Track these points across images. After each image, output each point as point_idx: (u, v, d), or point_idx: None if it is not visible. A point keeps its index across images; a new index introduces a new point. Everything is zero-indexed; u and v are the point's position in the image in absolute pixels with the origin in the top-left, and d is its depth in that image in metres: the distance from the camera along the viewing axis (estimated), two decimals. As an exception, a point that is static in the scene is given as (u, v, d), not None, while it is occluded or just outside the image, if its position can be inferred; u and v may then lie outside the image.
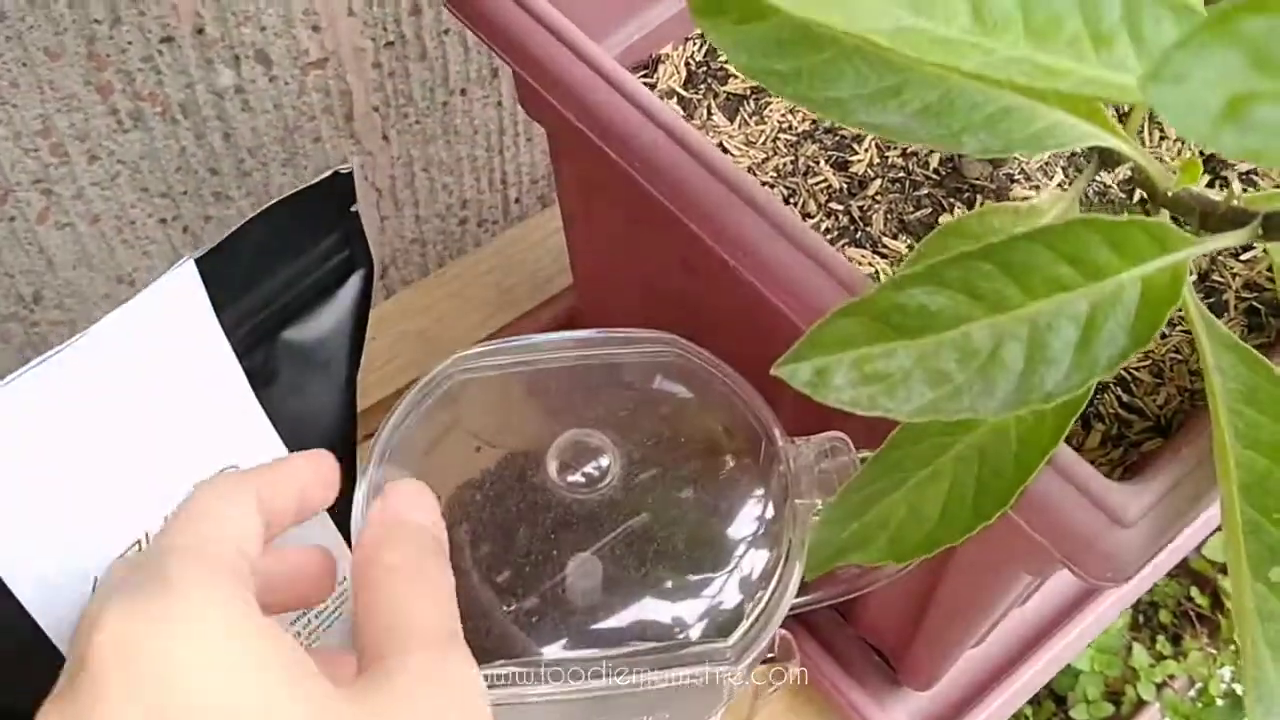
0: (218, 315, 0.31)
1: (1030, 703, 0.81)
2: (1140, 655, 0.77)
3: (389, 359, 0.60)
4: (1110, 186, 0.42)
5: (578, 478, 0.33)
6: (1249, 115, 0.15)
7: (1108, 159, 0.33)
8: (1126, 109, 0.40)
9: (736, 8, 0.28)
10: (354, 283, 0.36)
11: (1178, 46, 0.14)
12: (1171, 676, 0.78)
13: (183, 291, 0.31)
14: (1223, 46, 0.14)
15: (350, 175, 0.34)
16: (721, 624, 0.32)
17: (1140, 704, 0.77)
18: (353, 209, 0.35)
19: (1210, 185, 0.43)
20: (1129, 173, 0.35)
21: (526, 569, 0.33)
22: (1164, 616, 0.82)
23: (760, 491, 0.34)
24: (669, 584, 0.33)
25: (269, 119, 0.60)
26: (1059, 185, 0.41)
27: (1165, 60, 0.14)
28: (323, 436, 0.35)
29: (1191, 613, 0.82)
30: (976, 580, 0.38)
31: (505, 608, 0.32)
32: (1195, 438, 0.32)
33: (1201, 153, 0.44)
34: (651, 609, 0.32)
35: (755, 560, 0.33)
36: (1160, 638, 0.80)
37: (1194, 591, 0.82)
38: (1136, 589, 0.52)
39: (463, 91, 0.66)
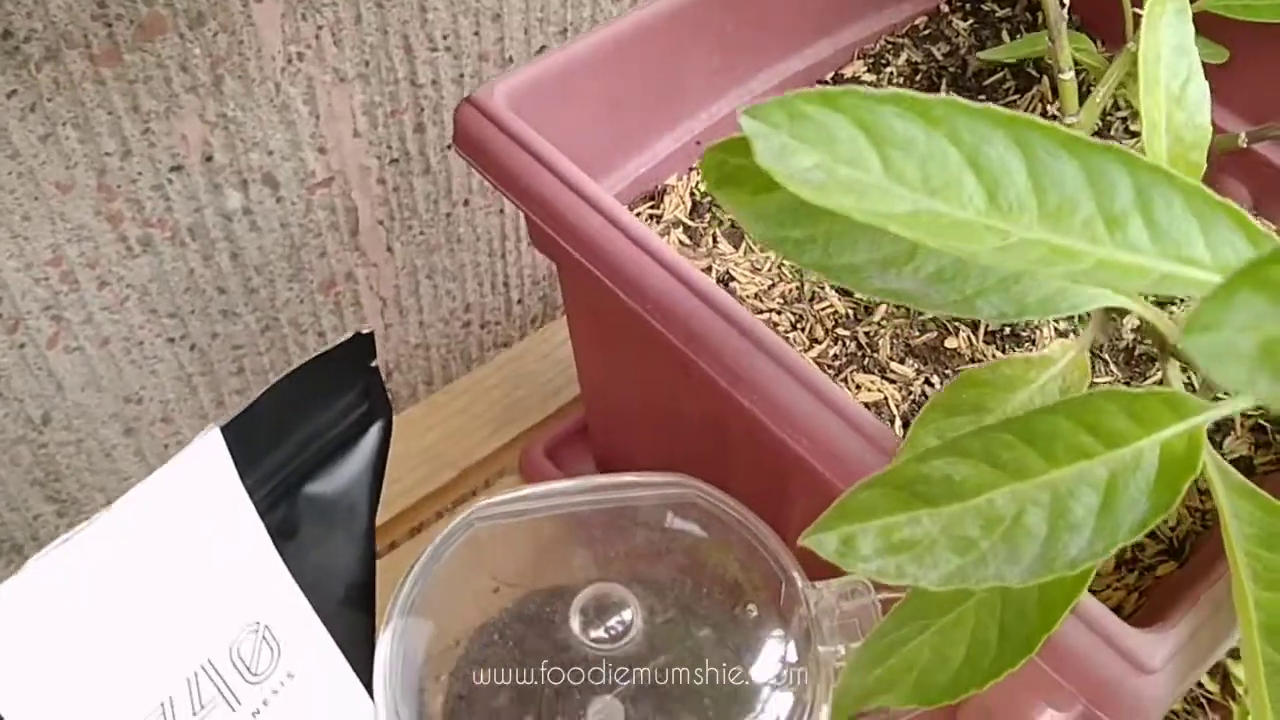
0: (241, 477, 0.32)
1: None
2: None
3: (395, 478, 0.60)
4: (1119, 332, 0.43)
5: (601, 633, 0.34)
6: None
7: (1114, 314, 0.34)
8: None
9: (751, 180, 0.28)
10: (374, 434, 0.36)
11: (1209, 299, 0.15)
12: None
13: (208, 459, 0.31)
14: (1252, 293, 0.15)
15: (371, 335, 0.34)
16: (747, 773, 0.32)
17: (1154, 794, 0.76)
18: (373, 364, 0.35)
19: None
20: (1136, 322, 0.36)
21: (548, 713, 0.33)
22: (1175, 704, 0.82)
23: (781, 634, 0.34)
24: (694, 732, 0.33)
25: (275, 238, 0.60)
26: (1067, 328, 0.42)
27: (1199, 312, 0.15)
28: (344, 585, 0.35)
29: (1202, 699, 0.82)
30: (999, 713, 0.38)
31: None
32: (1212, 576, 0.32)
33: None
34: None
35: (780, 707, 0.33)
36: (1171, 725, 0.80)
37: (1204, 678, 0.81)
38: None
39: (465, 202, 0.67)
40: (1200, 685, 0.83)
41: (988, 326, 0.43)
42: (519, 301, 0.77)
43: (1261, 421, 0.41)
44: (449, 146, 0.63)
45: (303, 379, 0.32)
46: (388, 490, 0.39)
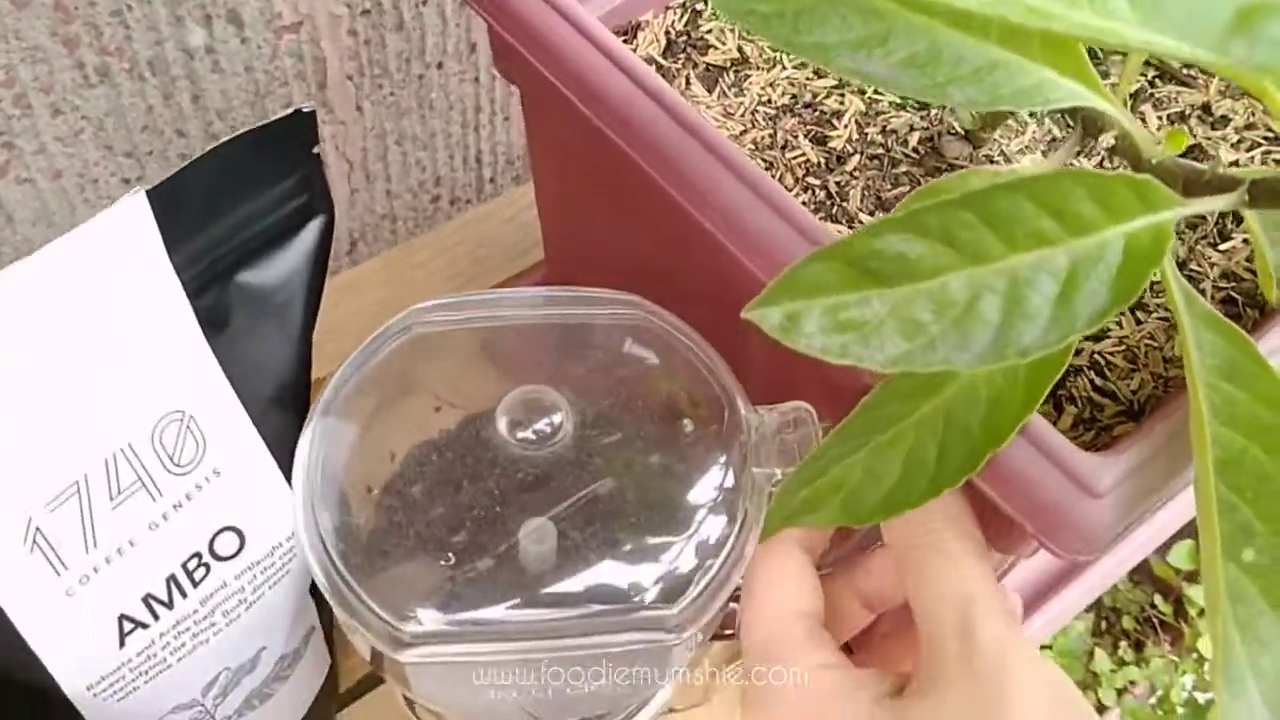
0: (169, 253, 0.30)
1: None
2: (1102, 661, 0.77)
3: (346, 328, 0.59)
4: (1093, 158, 0.41)
5: (528, 434, 0.33)
6: (1259, 28, 0.14)
7: (1090, 128, 0.33)
8: (1114, 83, 0.39)
9: (720, -53, 0.27)
10: (313, 229, 0.35)
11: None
12: (1133, 683, 0.78)
13: (133, 223, 0.29)
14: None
15: (313, 114, 0.33)
16: (672, 591, 0.31)
17: (1101, 709, 0.76)
18: (314, 151, 0.34)
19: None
20: (1112, 142, 0.35)
21: (480, 530, 0.32)
22: (1127, 623, 0.81)
23: (721, 459, 0.33)
24: (623, 548, 0.32)
25: (239, 82, 0.58)
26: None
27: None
28: (275, 384, 0.34)
29: (1155, 620, 0.82)
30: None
31: (457, 567, 0.31)
32: (1169, 415, 0.31)
33: (1203, 120, 0.44)
34: (604, 572, 0.32)
35: (711, 528, 0.32)
36: (1122, 644, 0.80)
37: (1157, 599, 0.81)
38: (1086, 595, 0.51)
39: (439, 65, 0.65)
40: (1154, 607, 0.83)
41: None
42: (491, 180, 0.76)
43: (1232, 294, 0.40)
44: (424, 1, 0.61)
45: (235, 155, 0.31)
46: (336, 341, 0.38)
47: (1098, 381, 0.38)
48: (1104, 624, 0.82)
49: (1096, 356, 0.39)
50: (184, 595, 0.32)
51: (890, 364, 0.24)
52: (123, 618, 0.32)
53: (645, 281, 0.43)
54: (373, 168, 0.68)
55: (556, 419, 0.33)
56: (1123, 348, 0.39)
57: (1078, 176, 0.25)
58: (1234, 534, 0.29)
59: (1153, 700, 0.78)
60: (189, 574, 0.32)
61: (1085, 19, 0.22)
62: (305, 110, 0.33)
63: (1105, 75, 0.44)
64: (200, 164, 0.30)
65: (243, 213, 0.32)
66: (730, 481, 0.33)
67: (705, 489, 0.33)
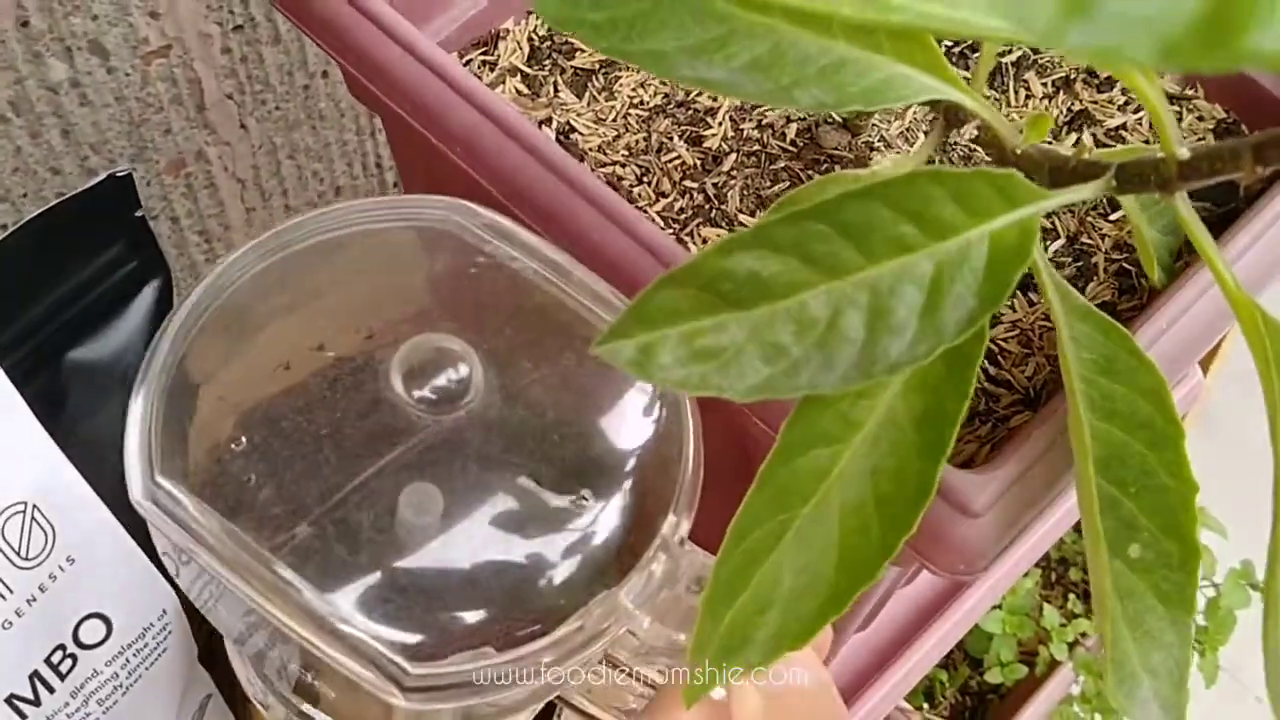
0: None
1: (945, 667, 0.80)
2: (1051, 615, 0.77)
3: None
4: (957, 147, 0.40)
5: (426, 393, 0.29)
6: (1097, 6, 0.13)
7: (952, 120, 0.31)
8: (971, 70, 0.38)
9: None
10: (148, 294, 0.33)
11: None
12: (1084, 635, 0.78)
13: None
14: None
15: (129, 178, 0.31)
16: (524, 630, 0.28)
17: (1054, 664, 0.77)
18: (138, 214, 0.32)
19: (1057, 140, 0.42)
20: (975, 131, 0.34)
21: (350, 495, 0.28)
22: (1074, 575, 0.81)
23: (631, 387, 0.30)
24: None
25: (111, 113, 0.56)
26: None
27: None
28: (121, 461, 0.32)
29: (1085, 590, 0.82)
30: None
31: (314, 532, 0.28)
32: (1048, 416, 0.30)
33: (1089, 83, 0.43)
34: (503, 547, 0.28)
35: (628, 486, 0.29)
36: (1071, 596, 0.80)
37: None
38: (1013, 572, 0.51)
39: (324, 74, 0.63)
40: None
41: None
42: (395, 184, 0.74)
43: (1126, 265, 0.40)
44: (297, 12, 0.59)
45: (47, 230, 0.29)
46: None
47: (992, 370, 0.37)
48: (1052, 577, 0.82)
49: (991, 344, 0.38)
50: (51, 691, 0.31)
51: (752, 392, 0.23)
52: (-14, 719, 0.30)
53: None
54: (267, 184, 0.66)
55: (463, 371, 0.29)
56: (1016, 332, 0.38)
57: (935, 176, 0.23)
58: (1118, 530, 0.29)
59: (1104, 650, 0.78)
60: (54, 668, 0.31)
61: (922, 8, 0.21)
62: (119, 174, 0.31)
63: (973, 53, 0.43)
64: (8, 243, 0.28)
65: (65, 289, 0.30)
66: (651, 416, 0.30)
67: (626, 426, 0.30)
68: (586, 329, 0.31)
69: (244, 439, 0.29)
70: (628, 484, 0.29)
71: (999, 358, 0.38)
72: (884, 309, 0.24)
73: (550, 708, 0.35)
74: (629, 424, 0.30)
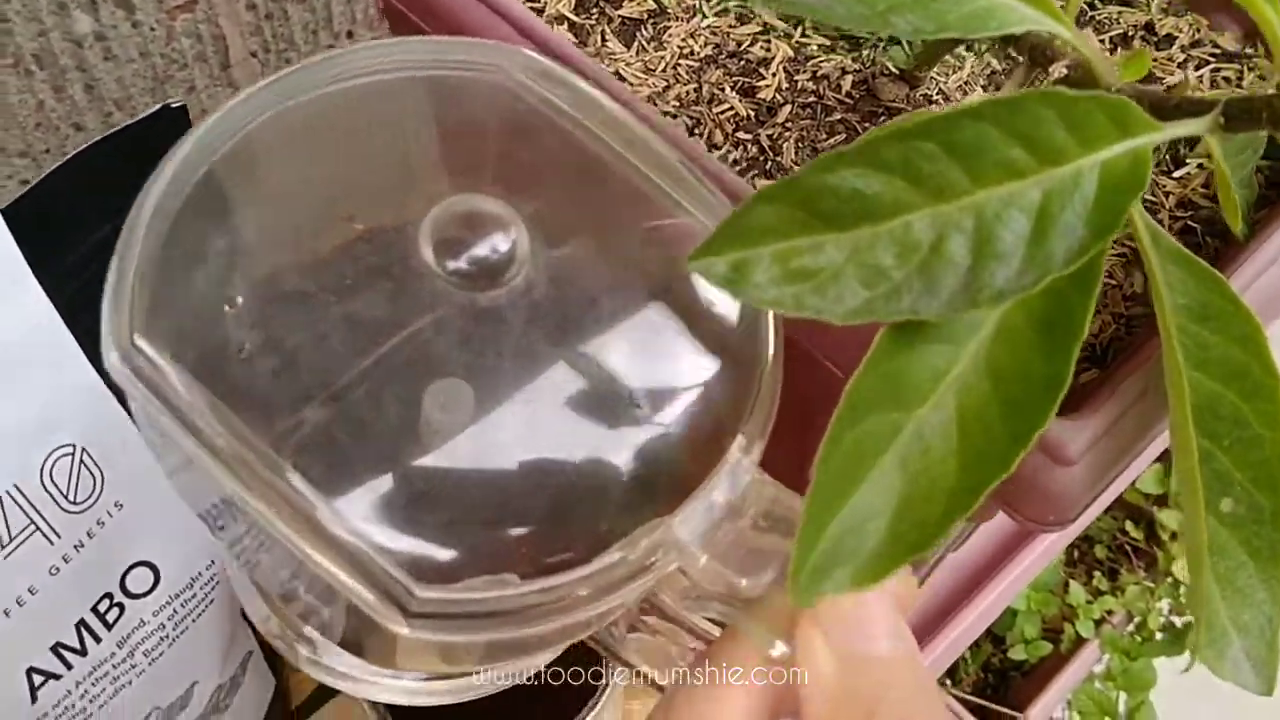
0: (36, 273, 0.27)
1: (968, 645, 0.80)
2: (1077, 592, 0.76)
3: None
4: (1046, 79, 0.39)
5: (461, 264, 0.24)
6: None
7: (1039, 57, 0.30)
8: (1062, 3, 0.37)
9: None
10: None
11: None
12: (1110, 612, 0.77)
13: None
14: None
15: (183, 110, 0.30)
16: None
17: (1079, 641, 0.76)
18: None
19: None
20: (1064, 71, 0.33)
21: (372, 383, 0.24)
22: (1099, 552, 0.81)
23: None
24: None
25: (135, 69, 0.55)
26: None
27: None
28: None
29: (1127, 546, 0.81)
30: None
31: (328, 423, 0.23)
32: (1136, 367, 0.29)
33: (1147, 40, 0.42)
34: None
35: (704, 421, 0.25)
36: (1097, 573, 0.79)
37: (1129, 525, 0.81)
38: (1077, 528, 0.50)
39: (349, 34, 0.62)
40: (1125, 533, 0.82)
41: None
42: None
43: (1190, 224, 0.39)
44: (325, -32, 0.58)
45: (99, 162, 0.28)
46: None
47: (1057, 327, 0.36)
48: (1076, 554, 0.81)
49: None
50: (98, 640, 0.30)
51: (851, 316, 0.22)
52: (31, 671, 0.29)
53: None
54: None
55: (504, 243, 0.24)
56: (1081, 289, 0.37)
57: (1048, 99, 0.23)
58: (1211, 484, 0.28)
59: (1130, 628, 0.77)
60: (101, 617, 0.30)
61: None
62: (174, 105, 0.30)
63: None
64: (61, 173, 0.27)
65: (115, 224, 0.29)
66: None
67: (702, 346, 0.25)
68: (653, 205, 0.27)
69: (243, 302, 0.24)
70: (692, 396, 0.25)
71: (1064, 314, 0.37)
72: (990, 235, 0.23)
73: (594, 655, 0.32)
74: (698, 326, 0.26)
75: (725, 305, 0.26)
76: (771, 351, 0.25)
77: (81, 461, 0.29)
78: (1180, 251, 0.28)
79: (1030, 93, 0.23)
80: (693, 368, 0.25)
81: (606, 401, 0.25)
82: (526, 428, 0.24)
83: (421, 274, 0.24)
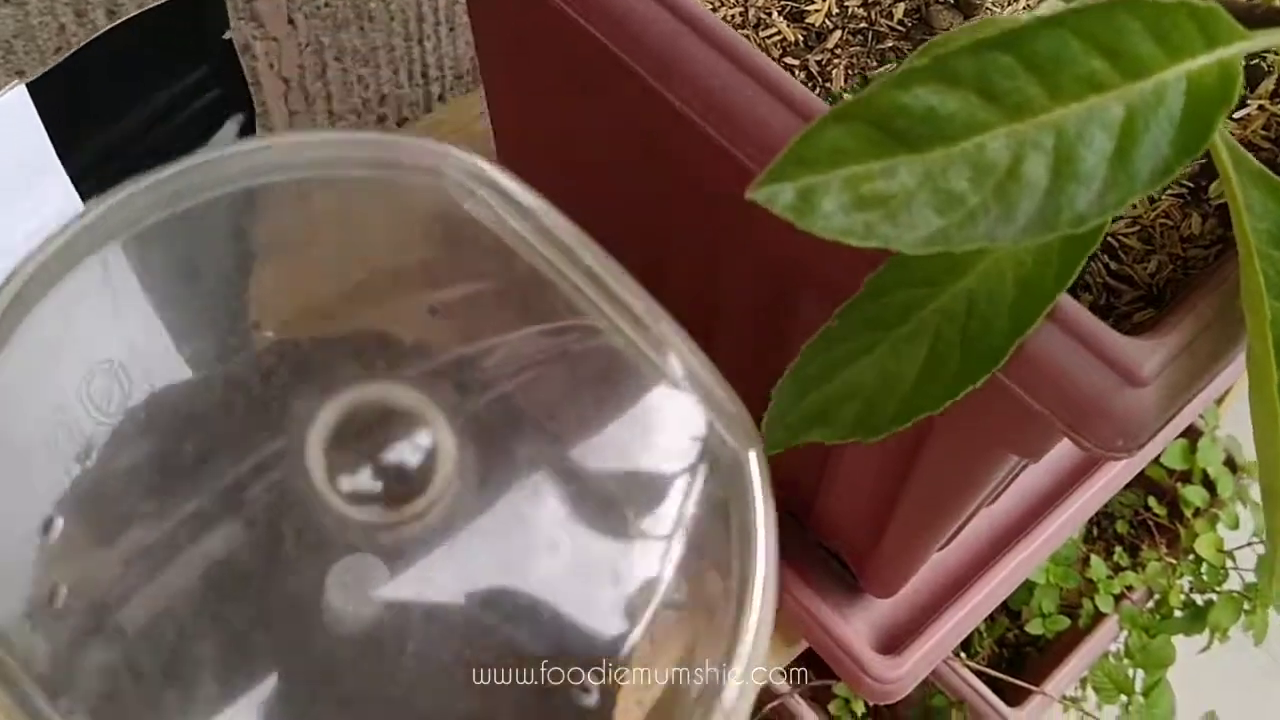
0: (61, 156, 0.26)
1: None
2: (1098, 567, 0.75)
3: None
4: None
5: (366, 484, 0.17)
6: None
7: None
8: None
9: None
10: (229, 130, 0.30)
11: None
12: (1130, 588, 0.76)
13: (12, 123, 0.25)
14: None
15: (219, -4, 0.29)
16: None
17: (1098, 616, 0.75)
18: (225, 37, 0.29)
19: None
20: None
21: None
22: (1121, 527, 0.80)
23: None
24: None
25: None
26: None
27: None
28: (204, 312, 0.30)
29: (1150, 522, 0.80)
30: (956, 467, 0.35)
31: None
32: (1210, 292, 0.28)
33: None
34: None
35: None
36: (1118, 549, 0.78)
37: (1151, 501, 0.79)
38: (1114, 483, 0.49)
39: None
40: (1148, 509, 0.81)
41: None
42: (440, 98, 0.71)
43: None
44: (355, -102, 0.57)
45: (130, 42, 0.27)
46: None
47: (1113, 266, 0.35)
48: (1096, 530, 0.80)
49: (1110, 239, 0.36)
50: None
51: (924, 244, 0.21)
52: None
53: (610, 184, 0.39)
54: (311, 87, 0.64)
55: (425, 440, 0.18)
56: (1137, 229, 0.36)
57: (1132, 6, 0.21)
58: (1286, 417, 0.27)
59: (1150, 605, 0.76)
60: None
61: None
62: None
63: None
64: (85, 52, 0.26)
65: (145, 111, 0.28)
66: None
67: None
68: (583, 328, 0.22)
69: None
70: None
71: (1119, 253, 0.35)
72: (1070, 155, 0.22)
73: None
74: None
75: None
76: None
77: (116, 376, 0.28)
78: (1263, 174, 0.26)
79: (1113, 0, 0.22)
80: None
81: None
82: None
83: (314, 503, 0.17)
